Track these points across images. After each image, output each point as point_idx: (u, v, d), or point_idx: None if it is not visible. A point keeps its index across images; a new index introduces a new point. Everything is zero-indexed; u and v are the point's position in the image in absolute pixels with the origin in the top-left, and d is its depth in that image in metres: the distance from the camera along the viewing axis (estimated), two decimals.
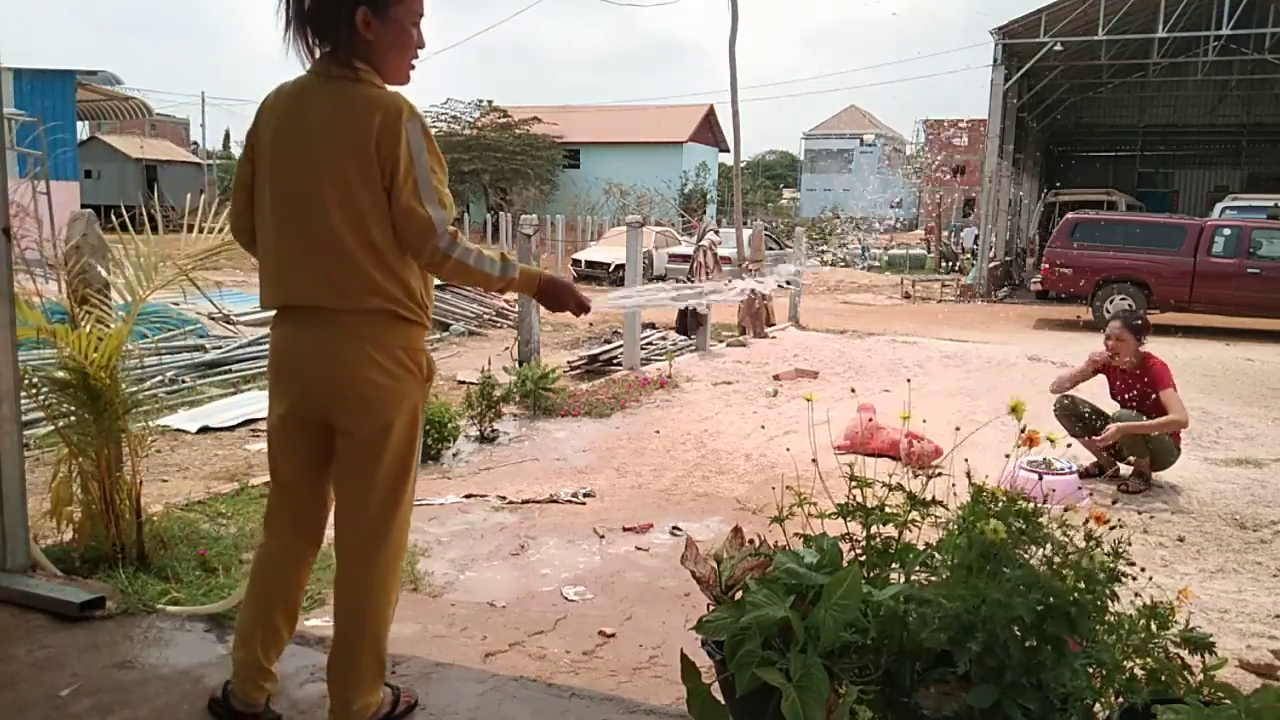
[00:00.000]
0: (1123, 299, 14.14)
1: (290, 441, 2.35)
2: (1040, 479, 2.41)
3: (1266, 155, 30.00)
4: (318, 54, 2.23)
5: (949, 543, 2.06)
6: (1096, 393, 5.84)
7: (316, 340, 2.24)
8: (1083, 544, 1.98)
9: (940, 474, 2.30)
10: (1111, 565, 1.96)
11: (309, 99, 2.21)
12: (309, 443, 2.32)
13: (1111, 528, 2.02)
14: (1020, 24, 20.16)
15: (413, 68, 2.30)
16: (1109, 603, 1.98)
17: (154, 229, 3.76)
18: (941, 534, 2.12)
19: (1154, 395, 5.40)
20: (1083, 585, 1.92)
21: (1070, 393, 5.68)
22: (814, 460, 2.38)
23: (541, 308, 2.37)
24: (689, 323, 10.82)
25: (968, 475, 2.15)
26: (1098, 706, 1.93)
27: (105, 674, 2.74)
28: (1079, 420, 5.53)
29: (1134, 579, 2.00)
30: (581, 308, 2.41)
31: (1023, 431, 2.16)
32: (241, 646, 2.44)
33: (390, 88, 2.24)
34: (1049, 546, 1.98)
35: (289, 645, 2.56)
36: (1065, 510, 2.05)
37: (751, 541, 2.36)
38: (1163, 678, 1.98)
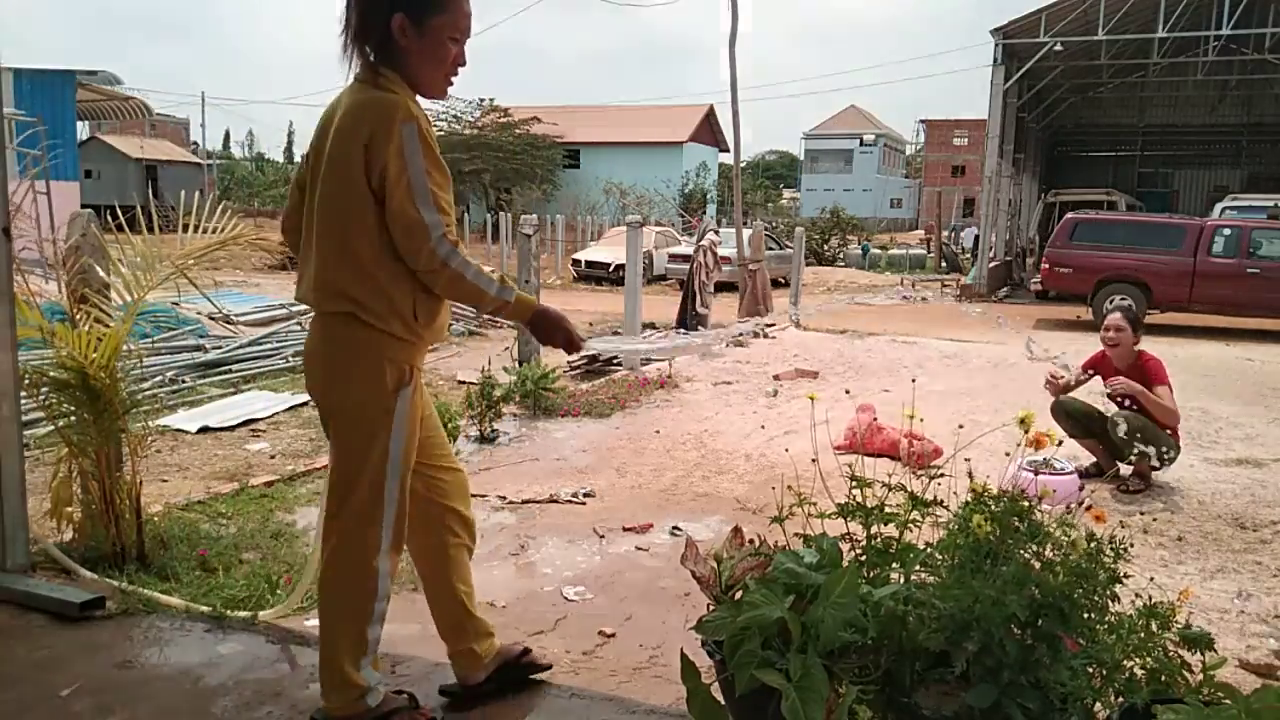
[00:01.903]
0: (1123, 299, 14.13)
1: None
2: (1037, 475, 2.41)
3: (1266, 155, 29.98)
4: (363, 60, 2.26)
5: (949, 542, 2.06)
6: (1097, 393, 5.83)
7: (310, 338, 2.36)
8: (1082, 543, 1.98)
9: (941, 475, 2.29)
10: (1112, 565, 1.96)
11: (339, 105, 2.26)
12: None
13: (1116, 529, 2.02)
14: (1020, 24, 20.14)
15: (450, 83, 2.31)
16: (1109, 602, 1.98)
17: (150, 229, 3.76)
18: (942, 534, 2.12)
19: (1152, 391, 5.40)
20: (1075, 579, 1.92)
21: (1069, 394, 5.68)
22: (814, 460, 2.38)
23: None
24: (689, 323, 10.83)
25: (969, 475, 2.15)
26: (1098, 706, 1.93)
27: (105, 674, 2.74)
28: (1077, 420, 5.53)
29: (1129, 576, 2.00)
30: (572, 345, 2.40)
31: (1027, 433, 2.16)
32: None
33: (421, 98, 2.27)
34: (1046, 545, 1.98)
35: (292, 645, 2.57)
36: (1066, 509, 2.05)
37: (751, 541, 2.36)
38: (1163, 678, 1.98)
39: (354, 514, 2.31)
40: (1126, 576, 1.99)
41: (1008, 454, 2.23)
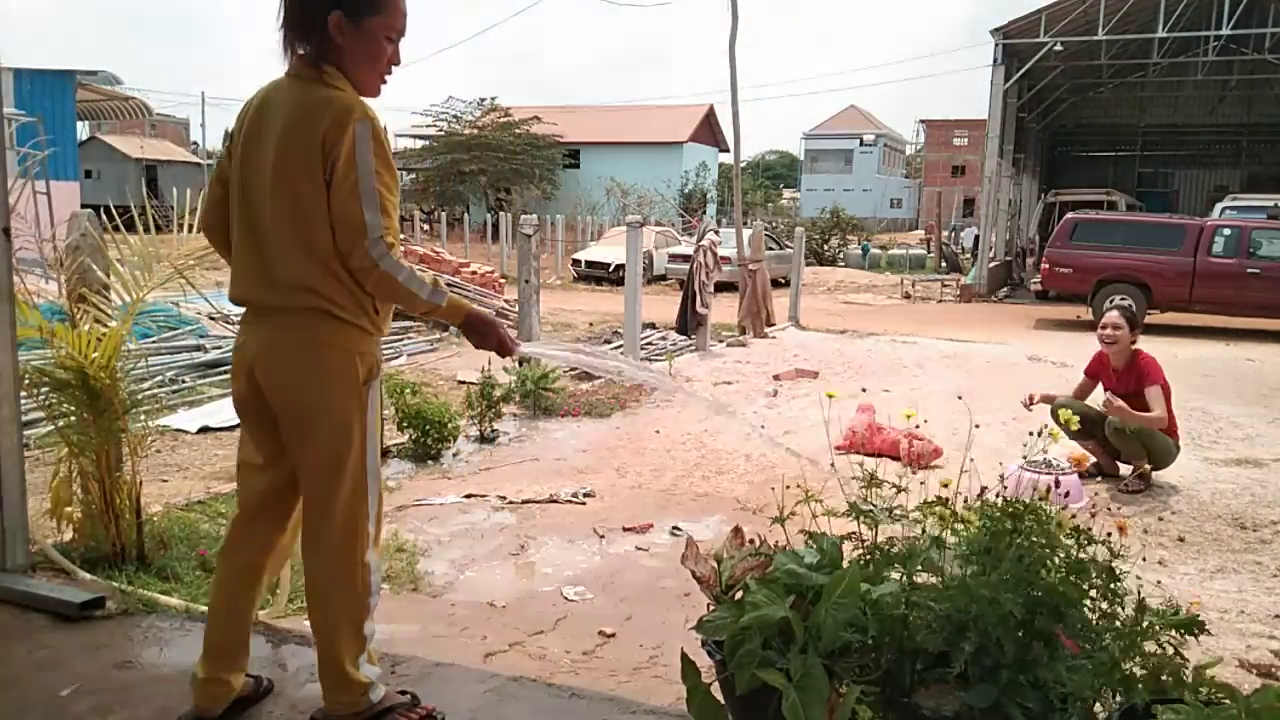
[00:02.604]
0: (1123, 299, 14.13)
1: (245, 427, 2.43)
2: (1059, 478, 2.41)
3: (1266, 155, 29.97)
4: (297, 55, 2.26)
5: (972, 544, 2.03)
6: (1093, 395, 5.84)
7: (259, 336, 2.30)
8: (1084, 543, 1.98)
9: (947, 481, 2.29)
10: (1108, 563, 1.95)
11: (277, 99, 2.25)
12: (260, 429, 2.38)
13: (1111, 532, 2.02)
14: (1020, 24, 20.14)
15: (384, 82, 2.32)
16: (1107, 601, 1.97)
17: (147, 229, 3.75)
18: (944, 534, 2.11)
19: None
20: (1066, 574, 1.92)
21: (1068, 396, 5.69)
22: (813, 462, 2.38)
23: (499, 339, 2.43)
24: (689, 323, 10.81)
25: (1001, 478, 2.13)
26: (1098, 706, 1.93)
27: (105, 674, 2.74)
28: (1077, 422, 5.52)
29: (1126, 574, 2.00)
30: (504, 348, 2.43)
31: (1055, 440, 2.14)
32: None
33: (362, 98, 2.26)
34: (1041, 541, 1.97)
35: (290, 645, 2.57)
36: (1071, 510, 2.04)
37: (751, 541, 2.36)
38: (1163, 678, 1.98)
39: (341, 513, 2.31)
40: (1124, 574, 1.98)
41: (1023, 456, 2.22)
